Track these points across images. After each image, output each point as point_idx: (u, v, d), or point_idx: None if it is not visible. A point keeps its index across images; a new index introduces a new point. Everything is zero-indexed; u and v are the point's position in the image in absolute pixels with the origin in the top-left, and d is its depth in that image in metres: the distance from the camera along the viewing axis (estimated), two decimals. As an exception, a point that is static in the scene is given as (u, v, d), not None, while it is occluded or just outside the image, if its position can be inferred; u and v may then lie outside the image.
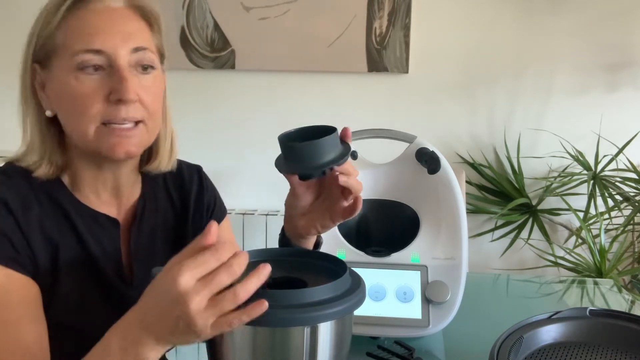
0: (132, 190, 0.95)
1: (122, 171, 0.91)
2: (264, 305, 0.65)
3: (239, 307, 0.66)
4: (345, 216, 0.90)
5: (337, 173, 0.85)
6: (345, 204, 0.89)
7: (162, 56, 0.92)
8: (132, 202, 0.95)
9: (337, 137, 0.85)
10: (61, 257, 0.85)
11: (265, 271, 0.67)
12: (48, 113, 0.86)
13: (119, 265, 0.92)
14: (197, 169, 1.07)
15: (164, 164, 0.96)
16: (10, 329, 0.78)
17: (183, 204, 1.03)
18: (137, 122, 0.84)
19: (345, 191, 0.88)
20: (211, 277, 0.64)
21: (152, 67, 0.86)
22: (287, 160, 0.86)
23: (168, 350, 0.74)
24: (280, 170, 0.88)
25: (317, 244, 1.00)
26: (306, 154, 0.83)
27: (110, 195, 0.92)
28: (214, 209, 1.06)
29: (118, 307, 0.90)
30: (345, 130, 0.88)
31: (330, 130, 0.85)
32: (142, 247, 0.94)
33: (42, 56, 0.84)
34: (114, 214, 0.92)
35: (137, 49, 0.84)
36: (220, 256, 0.66)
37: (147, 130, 0.86)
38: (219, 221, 1.07)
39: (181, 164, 1.05)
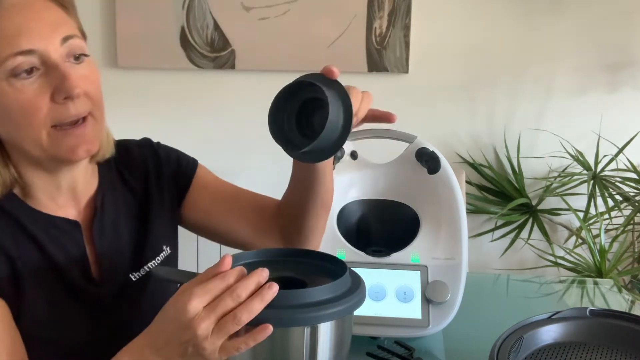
0: (88, 186, 0.92)
1: (78, 170, 0.88)
2: (268, 330, 0.67)
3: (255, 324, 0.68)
4: (369, 121, 0.86)
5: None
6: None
7: (85, 38, 0.86)
8: (88, 198, 0.92)
9: (334, 98, 0.76)
10: (21, 270, 0.82)
11: (270, 292, 0.68)
12: None
13: (86, 267, 0.89)
14: (148, 143, 1.03)
15: (107, 151, 0.92)
16: None
17: (143, 184, 0.99)
18: (84, 116, 0.80)
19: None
20: (216, 302, 0.67)
21: (85, 55, 0.81)
22: (305, 155, 0.79)
23: None
24: (315, 162, 0.82)
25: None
26: (321, 146, 0.77)
27: (67, 197, 0.89)
28: (181, 170, 1.02)
29: (89, 310, 0.88)
30: (328, 69, 0.78)
31: (315, 89, 0.75)
32: (107, 243, 0.91)
33: None
34: (73, 215, 0.89)
35: (65, 39, 0.78)
36: (227, 281, 0.68)
37: (96, 121, 0.82)
38: (192, 176, 1.03)
39: (129, 144, 1.01)
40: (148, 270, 0.95)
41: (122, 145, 0.99)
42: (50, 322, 0.85)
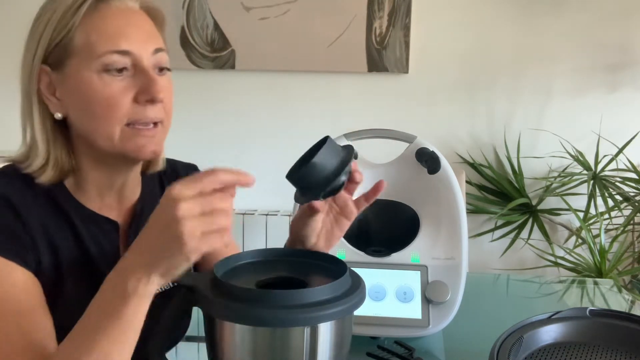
0: (133, 192, 0.95)
1: (132, 173, 0.92)
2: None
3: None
4: (360, 207, 0.91)
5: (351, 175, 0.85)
6: (352, 200, 0.90)
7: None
8: (131, 203, 0.95)
9: (333, 144, 0.83)
10: (62, 260, 0.85)
11: (246, 179, 0.71)
12: (58, 116, 0.84)
13: None
14: (194, 169, 1.07)
15: (160, 164, 0.98)
16: (23, 321, 0.77)
17: None
18: (155, 122, 0.85)
19: (350, 187, 0.88)
20: (205, 197, 0.66)
21: (168, 69, 0.88)
22: (303, 191, 0.84)
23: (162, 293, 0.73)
24: (301, 204, 0.87)
25: None
26: (313, 175, 0.81)
27: (114, 199, 0.92)
28: None
29: None
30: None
31: (323, 140, 0.83)
32: None
33: (55, 58, 0.82)
34: (114, 217, 0.92)
35: (157, 50, 0.85)
36: (216, 175, 0.68)
37: (164, 130, 0.87)
38: None
39: (177, 164, 1.05)
40: (172, 286, 0.96)
41: (171, 164, 1.04)
42: (78, 313, 0.86)
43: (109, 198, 0.91)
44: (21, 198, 0.83)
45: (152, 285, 0.68)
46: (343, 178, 0.83)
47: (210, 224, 0.65)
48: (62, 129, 0.86)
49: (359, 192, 0.91)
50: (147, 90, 0.82)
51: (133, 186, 0.95)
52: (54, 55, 0.82)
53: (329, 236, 0.93)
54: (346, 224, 0.93)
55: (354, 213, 0.91)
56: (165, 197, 0.67)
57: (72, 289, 0.86)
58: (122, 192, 0.92)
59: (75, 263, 0.86)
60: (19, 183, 0.84)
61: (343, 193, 0.88)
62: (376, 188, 0.89)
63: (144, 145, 0.84)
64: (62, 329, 0.84)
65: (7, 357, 0.74)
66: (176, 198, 0.65)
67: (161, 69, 0.86)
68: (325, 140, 0.83)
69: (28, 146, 0.86)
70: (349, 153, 0.84)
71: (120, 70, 0.81)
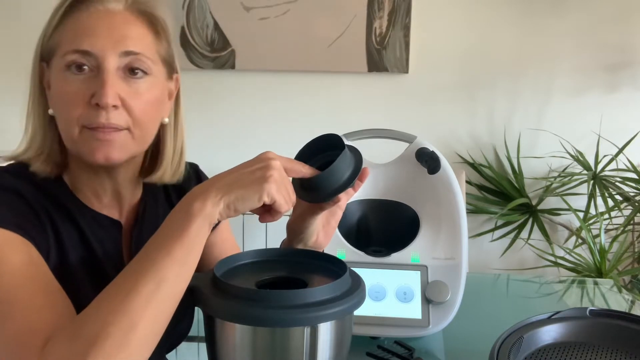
0: (133, 194, 0.95)
1: (118, 178, 0.89)
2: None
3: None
4: (349, 196, 0.92)
5: None
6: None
7: (168, 66, 0.91)
8: (133, 204, 0.95)
9: (347, 153, 0.83)
10: (68, 257, 0.84)
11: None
12: (50, 112, 0.85)
13: (120, 265, 0.90)
14: (194, 168, 1.07)
15: (167, 176, 0.93)
16: (51, 295, 0.75)
17: None
18: (121, 129, 0.81)
19: None
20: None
21: (145, 73, 0.83)
22: (312, 193, 0.83)
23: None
24: (309, 202, 0.86)
25: None
26: (329, 181, 0.82)
27: (111, 199, 0.91)
28: None
29: None
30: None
31: (334, 139, 0.83)
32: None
33: (45, 55, 0.85)
34: (116, 217, 0.92)
35: (128, 53, 0.81)
36: (296, 163, 0.80)
37: (133, 138, 0.83)
38: (219, 222, 1.07)
39: None
40: None
41: None
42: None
43: (106, 198, 0.90)
44: (31, 193, 0.83)
45: (217, 208, 0.72)
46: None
47: (285, 190, 0.75)
48: (56, 125, 0.86)
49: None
50: (96, 93, 0.79)
51: (131, 188, 0.93)
52: (44, 53, 0.85)
53: (327, 228, 0.94)
54: (340, 214, 0.94)
55: (346, 201, 0.92)
56: (260, 155, 0.76)
57: (76, 289, 0.84)
58: (118, 193, 0.91)
59: (80, 263, 0.86)
60: (26, 181, 0.84)
61: None
62: (362, 175, 0.88)
63: (97, 148, 0.80)
64: None
65: (40, 318, 0.72)
66: (273, 157, 0.76)
67: (135, 72, 0.82)
68: (337, 141, 0.83)
69: (27, 140, 0.87)
70: (360, 159, 0.84)
71: (80, 69, 0.80)
